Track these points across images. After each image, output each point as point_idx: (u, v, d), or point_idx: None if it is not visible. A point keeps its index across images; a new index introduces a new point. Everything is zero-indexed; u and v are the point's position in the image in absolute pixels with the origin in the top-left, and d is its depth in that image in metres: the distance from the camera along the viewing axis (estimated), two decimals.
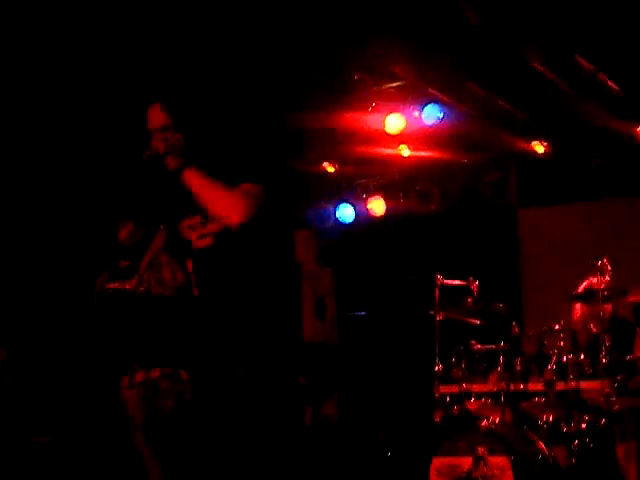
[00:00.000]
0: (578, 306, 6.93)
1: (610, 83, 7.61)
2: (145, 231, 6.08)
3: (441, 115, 8.13)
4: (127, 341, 5.68)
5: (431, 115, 8.19)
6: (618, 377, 6.35)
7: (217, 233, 4.33)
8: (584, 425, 6.32)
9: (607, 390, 6.25)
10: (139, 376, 5.92)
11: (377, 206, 9.68)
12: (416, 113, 8.32)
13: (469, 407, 6.75)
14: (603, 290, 6.44)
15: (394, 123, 8.53)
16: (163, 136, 4.24)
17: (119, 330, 5.70)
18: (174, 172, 4.18)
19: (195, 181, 4.18)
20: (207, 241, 4.38)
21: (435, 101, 8.15)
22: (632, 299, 6.86)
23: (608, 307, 6.56)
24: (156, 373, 5.86)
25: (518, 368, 6.65)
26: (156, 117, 4.28)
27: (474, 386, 6.81)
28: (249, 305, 4.49)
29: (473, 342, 6.94)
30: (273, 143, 8.59)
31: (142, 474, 5.83)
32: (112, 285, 6.00)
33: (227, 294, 4.48)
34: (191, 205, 4.29)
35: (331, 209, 9.96)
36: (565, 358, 6.49)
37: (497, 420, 6.51)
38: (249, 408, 4.39)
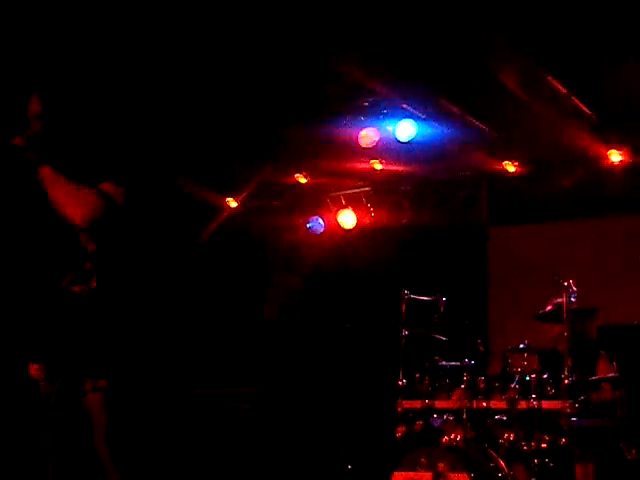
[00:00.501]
0: (544, 325, 6.97)
1: (583, 105, 7.67)
2: None
3: (415, 131, 8.16)
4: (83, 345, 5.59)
5: (405, 131, 8.21)
6: (579, 397, 6.40)
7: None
8: (544, 444, 6.36)
9: (568, 410, 6.30)
10: (102, 381, 5.82)
11: (347, 219, 9.69)
12: (390, 127, 8.33)
13: (431, 423, 6.77)
14: (570, 310, 6.50)
15: (367, 137, 8.54)
16: (33, 126, 4.24)
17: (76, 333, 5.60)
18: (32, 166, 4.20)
19: (47, 178, 4.19)
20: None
21: (409, 116, 8.18)
22: (593, 319, 6.94)
23: (572, 327, 6.60)
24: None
25: (481, 386, 6.69)
26: (33, 105, 4.29)
27: (437, 402, 6.84)
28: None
29: (437, 358, 6.96)
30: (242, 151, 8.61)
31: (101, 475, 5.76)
32: (76, 287, 5.91)
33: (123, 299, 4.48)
34: None
35: (301, 220, 9.96)
36: (528, 377, 6.53)
37: (459, 437, 6.53)
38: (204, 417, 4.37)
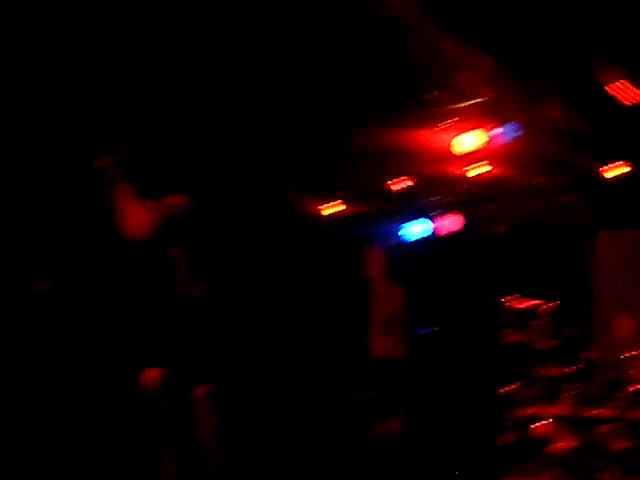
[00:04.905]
0: None
1: None
2: None
3: (517, 135, 8.07)
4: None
5: (507, 135, 8.13)
6: None
7: None
8: None
9: None
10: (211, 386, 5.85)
11: (447, 224, 9.61)
12: (491, 132, 8.25)
13: (538, 431, 6.67)
14: None
15: (466, 142, 8.48)
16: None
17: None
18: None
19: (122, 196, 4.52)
20: None
21: (511, 120, 8.08)
22: None
23: None
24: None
25: (590, 393, 6.57)
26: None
27: (543, 410, 6.73)
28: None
29: (543, 365, 6.86)
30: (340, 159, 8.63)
31: None
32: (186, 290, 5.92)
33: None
34: None
35: (399, 226, 9.93)
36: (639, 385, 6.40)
37: (567, 446, 6.42)
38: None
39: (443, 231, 9.67)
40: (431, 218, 9.74)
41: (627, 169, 8.63)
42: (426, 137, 8.50)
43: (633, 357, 6.53)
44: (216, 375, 5.83)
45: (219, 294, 5.85)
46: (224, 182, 7.89)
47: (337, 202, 9.91)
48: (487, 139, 8.32)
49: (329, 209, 9.90)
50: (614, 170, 8.72)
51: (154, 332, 5.40)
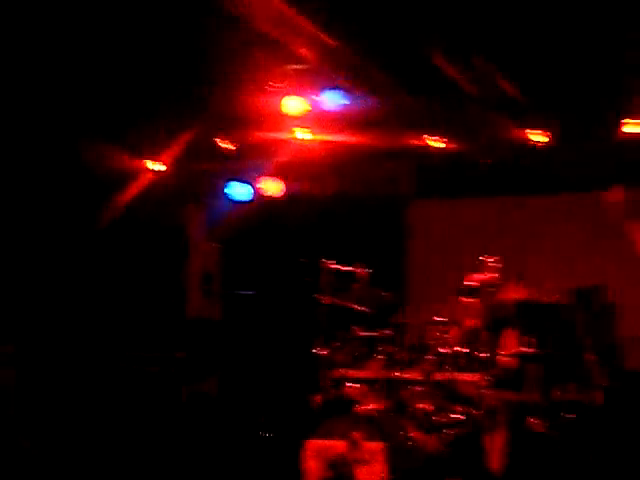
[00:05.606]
0: (461, 300, 7.10)
1: (507, 87, 7.78)
2: None
3: (343, 102, 8.17)
4: None
5: (332, 101, 8.22)
6: (492, 371, 6.55)
7: None
8: (457, 415, 6.51)
9: (481, 383, 6.46)
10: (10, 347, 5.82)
11: (271, 187, 9.65)
12: (317, 97, 8.32)
13: (348, 392, 6.84)
14: (484, 286, 6.65)
15: (293, 105, 8.51)
16: None
17: None
18: None
19: None
20: None
21: (338, 87, 8.18)
22: (510, 296, 7.09)
23: (489, 303, 6.75)
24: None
25: (398, 356, 6.80)
26: None
27: (354, 372, 6.91)
28: None
29: (356, 328, 7.02)
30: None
31: None
32: None
33: None
34: None
35: (223, 186, 9.91)
36: (444, 350, 6.67)
37: (374, 406, 6.63)
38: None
39: (266, 194, 9.72)
40: (255, 180, 9.76)
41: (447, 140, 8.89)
42: (254, 99, 8.51)
43: (440, 322, 6.79)
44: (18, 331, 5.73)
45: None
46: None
47: (162, 159, 9.80)
48: (313, 104, 8.41)
49: (155, 166, 9.78)
50: (439, 141, 8.97)
51: None
